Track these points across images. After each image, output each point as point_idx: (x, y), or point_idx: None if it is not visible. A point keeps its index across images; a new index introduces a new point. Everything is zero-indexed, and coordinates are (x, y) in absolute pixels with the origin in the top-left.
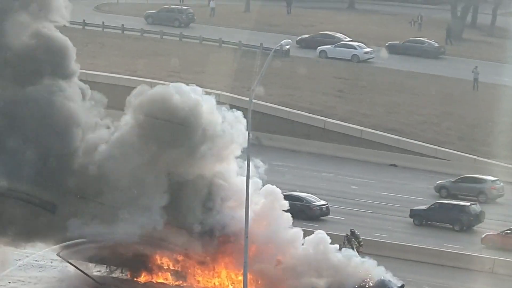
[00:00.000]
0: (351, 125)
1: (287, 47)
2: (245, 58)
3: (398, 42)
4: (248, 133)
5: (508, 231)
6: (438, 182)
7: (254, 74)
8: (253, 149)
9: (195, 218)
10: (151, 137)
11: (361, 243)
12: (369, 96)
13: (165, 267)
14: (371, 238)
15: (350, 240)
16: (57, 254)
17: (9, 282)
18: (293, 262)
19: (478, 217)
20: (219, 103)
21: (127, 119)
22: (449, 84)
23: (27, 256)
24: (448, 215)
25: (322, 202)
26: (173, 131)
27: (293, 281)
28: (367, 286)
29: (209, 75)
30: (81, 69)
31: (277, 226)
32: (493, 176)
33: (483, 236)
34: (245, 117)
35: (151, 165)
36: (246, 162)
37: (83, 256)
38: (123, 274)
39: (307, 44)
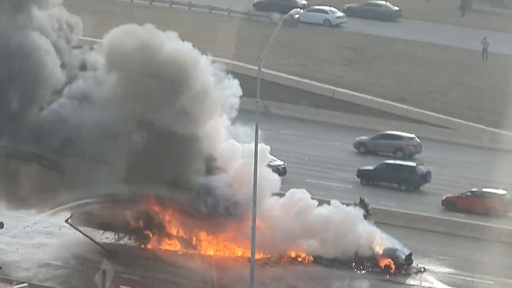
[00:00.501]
0: (360, 95)
1: (297, 16)
2: (254, 28)
3: (356, 5)
4: (257, 101)
5: (468, 193)
6: (357, 138)
7: (263, 43)
8: (261, 117)
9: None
10: (136, 93)
11: (370, 212)
12: (378, 66)
13: (174, 233)
14: (379, 207)
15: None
16: (65, 221)
17: (17, 249)
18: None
19: (425, 177)
20: (228, 72)
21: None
22: (458, 54)
23: (35, 223)
24: (395, 175)
25: (279, 163)
26: (161, 88)
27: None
28: (375, 254)
29: (218, 44)
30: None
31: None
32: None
33: (443, 198)
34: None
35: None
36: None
37: (92, 223)
38: (131, 241)
39: (264, 7)
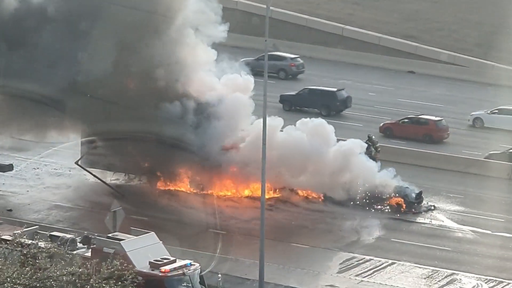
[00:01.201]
0: (369, 32)
1: None
2: None
3: None
4: (266, 40)
5: (405, 120)
6: (242, 59)
7: None
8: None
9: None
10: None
11: (378, 149)
12: (387, 3)
13: (184, 175)
14: (389, 145)
15: (368, 146)
16: (75, 163)
17: (27, 191)
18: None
19: (345, 103)
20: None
21: None
22: None
23: (46, 165)
24: (316, 101)
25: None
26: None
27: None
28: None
29: None
30: None
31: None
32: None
33: (381, 124)
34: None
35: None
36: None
37: (101, 164)
38: (141, 182)
39: None
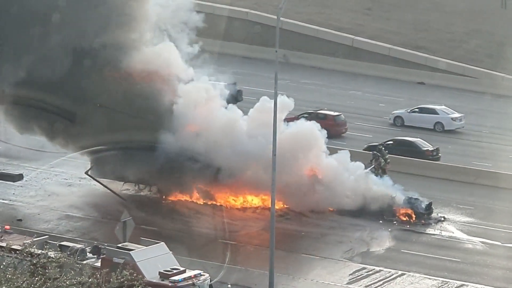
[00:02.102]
0: (379, 43)
1: None
2: None
3: None
4: (276, 51)
5: (305, 115)
6: None
7: None
8: (281, 67)
9: None
10: None
11: (388, 160)
12: (397, 14)
13: (193, 186)
14: (398, 156)
15: (377, 158)
16: (85, 173)
17: (38, 200)
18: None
19: (235, 97)
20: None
21: None
22: (477, 2)
23: (56, 175)
24: None
25: None
26: None
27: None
28: (394, 204)
29: None
30: None
31: None
32: None
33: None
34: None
35: None
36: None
37: (111, 174)
38: (151, 193)
39: None
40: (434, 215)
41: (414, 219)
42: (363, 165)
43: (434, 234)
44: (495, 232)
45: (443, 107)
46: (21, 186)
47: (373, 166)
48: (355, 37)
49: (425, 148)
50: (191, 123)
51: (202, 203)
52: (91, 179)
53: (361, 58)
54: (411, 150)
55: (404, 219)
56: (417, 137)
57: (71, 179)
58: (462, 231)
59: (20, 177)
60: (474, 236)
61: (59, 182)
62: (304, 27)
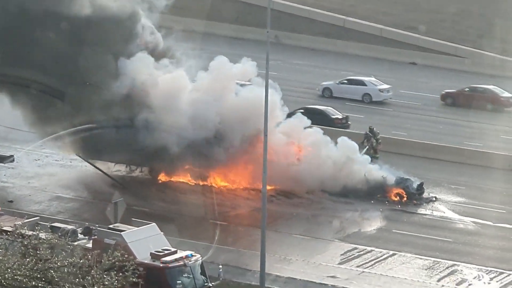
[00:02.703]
0: (371, 24)
1: None
2: None
3: None
4: (267, 32)
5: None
6: None
7: None
8: (272, 47)
9: None
10: None
11: (379, 141)
12: None
13: (186, 167)
14: (390, 136)
15: (369, 138)
16: (76, 154)
17: (28, 182)
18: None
19: None
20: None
21: None
22: None
23: (46, 156)
24: None
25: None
26: None
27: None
28: (386, 184)
29: None
30: None
31: None
32: None
33: None
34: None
35: None
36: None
37: (103, 156)
38: (143, 174)
39: None
40: (425, 195)
41: (405, 199)
42: (356, 146)
43: (425, 214)
44: (487, 212)
45: (372, 78)
46: (12, 168)
47: (366, 147)
48: (346, 17)
49: (334, 116)
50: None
51: (193, 184)
52: (82, 160)
53: (353, 38)
54: (321, 118)
55: (395, 199)
56: (328, 106)
57: (63, 160)
58: (453, 211)
59: (11, 158)
60: (465, 216)
61: (50, 163)
62: (295, 7)
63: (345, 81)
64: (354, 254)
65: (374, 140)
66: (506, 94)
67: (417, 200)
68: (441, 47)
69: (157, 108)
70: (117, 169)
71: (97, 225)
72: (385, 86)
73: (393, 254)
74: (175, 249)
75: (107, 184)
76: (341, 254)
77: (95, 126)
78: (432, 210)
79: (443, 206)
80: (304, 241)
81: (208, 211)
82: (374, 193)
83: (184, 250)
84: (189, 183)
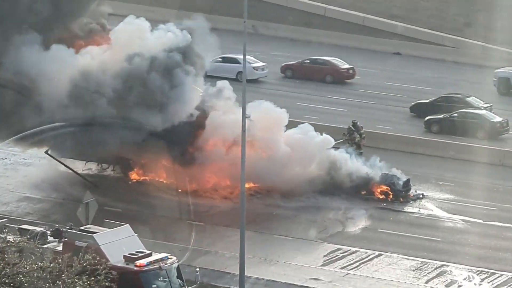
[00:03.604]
0: (353, 12)
1: None
2: None
3: None
4: (244, 21)
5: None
6: None
7: None
8: (249, 38)
9: None
10: None
11: (363, 136)
12: None
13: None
14: (374, 131)
15: (352, 132)
16: (45, 152)
17: None
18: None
19: None
20: None
21: None
22: None
23: (14, 155)
24: None
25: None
26: None
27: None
28: (370, 181)
29: None
30: None
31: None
32: None
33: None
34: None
35: None
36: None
37: (73, 153)
38: (115, 172)
39: None
40: (412, 192)
41: (391, 196)
42: (331, 139)
43: (412, 212)
44: (477, 210)
45: (248, 56)
46: None
47: (341, 140)
48: (327, 6)
49: None
50: None
51: (168, 182)
52: (52, 158)
53: (335, 28)
54: None
55: (381, 197)
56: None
57: (31, 158)
58: (442, 208)
59: None
60: (454, 214)
61: (18, 162)
62: None
63: (219, 59)
64: (338, 255)
65: (358, 135)
66: (346, 66)
67: (403, 197)
68: (427, 36)
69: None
70: (88, 167)
71: (67, 227)
72: (260, 64)
73: (379, 255)
74: (149, 252)
75: (77, 184)
76: (324, 256)
77: (65, 124)
78: (420, 208)
79: (431, 203)
80: (286, 242)
81: (183, 211)
82: (358, 190)
83: (159, 253)
84: (164, 181)
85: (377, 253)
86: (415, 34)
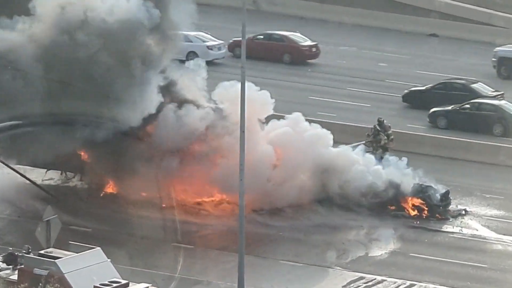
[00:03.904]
0: None
1: None
2: None
3: None
4: None
5: None
6: None
7: None
8: (250, 16)
9: None
10: None
11: (391, 137)
12: None
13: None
14: (405, 131)
15: (377, 133)
16: None
17: None
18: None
19: None
20: None
21: None
22: None
23: None
24: None
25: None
26: None
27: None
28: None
29: None
30: None
31: None
32: None
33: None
34: None
35: None
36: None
37: (30, 159)
38: (83, 183)
39: None
40: (452, 207)
41: (426, 212)
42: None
43: (452, 233)
44: None
45: (201, 33)
46: None
47: (363, 142)
48: None
49: None
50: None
51: (149, 196)
52: (3, 165)
53: (356, 3)
54: None
55: (413, 213)
56: None
57: None
58: (489, 228)
59: None
60: (504, 235)
61: None
62: None
63: None
64: (360, 286)
65: (385, 136)
66: (308, 43)
67: (442, 213)
68: (471, 14)
69: None
70: (49, 177)
71: (23, 251)
72: (216, 43)
73: (411, 286)
74: (126, 281)
75: (36, 197)
76: (343, 286)
77: (21, 123)
78: (461, 227)
79: (475, 221)
80: (295, 269)
81: (168, 231)
82: (385, 205)
83: (139, 283)
84: (143, 194)
85: (408, 283)
86: (456, 11)
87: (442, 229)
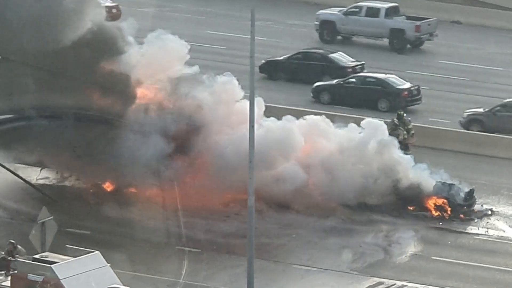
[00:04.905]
0: None
1: None
2: None
3: None
4: None
5: None
6: None
7: None
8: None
9: None
10: None
11: (412, 132)
12: None
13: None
14: (427, 125)
15: (395, 127)
16: None
17: None
18: None
19: None
20: None
21: None
22: None
23: None
24: None
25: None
26: None
27: None
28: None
29: None
30: None
31: None
32: None
33: None
34: None
35: None
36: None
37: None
38: (80, 182)
39: None
40: (477, 206)
41: (449, 213)
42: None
43: (477, 234)
44: None
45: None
46: None
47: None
48: None
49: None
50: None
51: (151, 196)
52: None
53: None
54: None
55: (436, 213)
56: None
57: None
58: None
59: None
60: None
61: None
62: None
63: None
64: None
65: (405, 132)
66: None
67: (466, 214)
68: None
69: None
70: (45, 175)
71: (17, 255)
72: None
73: None
74: (126, 287)
75: (30, 198)
76: None
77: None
78: (487, 228)
79: (502, 222)
80: (309, 274)
81: (172, 234)
82: (405, 205)
83: None
84: (145, 193)
85: None
86: None
87: (466, 231)
